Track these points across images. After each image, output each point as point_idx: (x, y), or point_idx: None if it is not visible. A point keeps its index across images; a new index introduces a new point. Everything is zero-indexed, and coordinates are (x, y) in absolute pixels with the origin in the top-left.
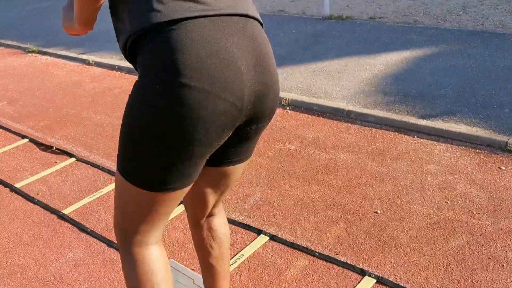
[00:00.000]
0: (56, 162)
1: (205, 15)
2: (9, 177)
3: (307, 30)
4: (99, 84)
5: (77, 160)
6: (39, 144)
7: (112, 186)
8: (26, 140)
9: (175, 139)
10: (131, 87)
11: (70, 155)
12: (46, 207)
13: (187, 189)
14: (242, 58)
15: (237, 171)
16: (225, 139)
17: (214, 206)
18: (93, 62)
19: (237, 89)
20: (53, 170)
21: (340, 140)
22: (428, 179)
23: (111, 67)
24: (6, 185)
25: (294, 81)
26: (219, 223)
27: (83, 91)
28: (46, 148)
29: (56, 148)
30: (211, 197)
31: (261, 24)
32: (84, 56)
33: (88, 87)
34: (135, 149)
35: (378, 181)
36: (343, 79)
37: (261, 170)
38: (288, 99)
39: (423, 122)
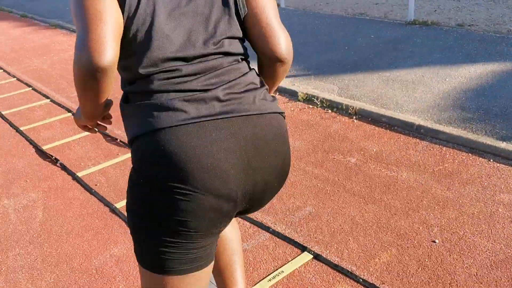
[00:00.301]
0: (118, 154)
1: (193, 122)
2: (74, 165)
3: (387, 35)
4: None
5: None
6: (106, 135)
7: None
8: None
9: (169, 232)
10: None
11: None
12: (101, 199)
13: (202, 271)
14: (229, 161)
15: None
16: (225, 225)
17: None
18: None
19: (223, 190)
20: (114, 162)
21: (405, 156)
22: (500, 210)
23: None
24: (69, 173)
25: (364, 89)
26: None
27: None
28: (112, 139)
29: (120, 141)
30: None
31: (278, 113)
32: None
33: None
34: (143, 238)
35: (441, 206)
36: (417, 91)
37: (315, 182)
38: (356, 108)
39: (503, 145)
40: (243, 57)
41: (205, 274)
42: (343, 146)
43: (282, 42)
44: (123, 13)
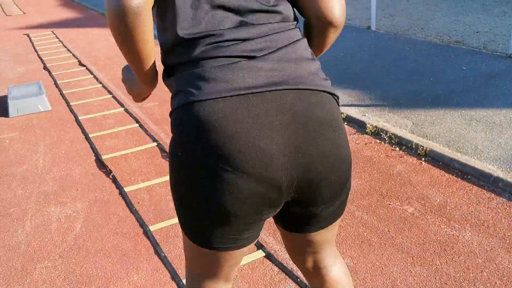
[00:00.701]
0: (168, 172)
1: (236, 94)
2: (125, 179)
3: (481, 68)
4: None
5: None
6: (163, 151)
7: None
8: (154, 144)
9: (208, 211)
10: None
11: None
12: (138, 218)
13: (239, 251)
14: (274, 141)
15: (320, 236)
16: (272, 213)
17: (318, 262)
18: None
19: (266, 174)
20: (162, 181)
21: (473, 213)
22: None
23: None
24: (118, 186)
25: (441, 128)
26: (331, 276)
27: None
28: (168, 156)
29: None
30: (307, 258)
31: (332, 94)
32: None
33: None
34: (182, 210)
35: (504, 282)
36: (504, 135)
37: (362, 230)
38: (426, 149)
39: None
40: (295, 22)
41: (242, 253)
42: (403, 192)
43: (337, 5)
44: None
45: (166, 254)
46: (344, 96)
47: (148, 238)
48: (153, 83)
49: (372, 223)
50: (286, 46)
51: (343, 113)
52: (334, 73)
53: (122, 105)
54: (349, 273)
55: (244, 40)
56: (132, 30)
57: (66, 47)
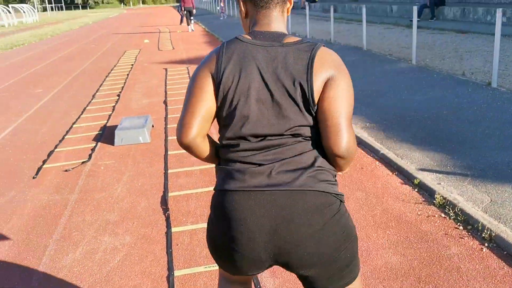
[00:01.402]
0: None
1: (243, 190)
2: (176, 219)
3: None
4: None
5: None
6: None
7: None
8: None
9: (214, 257)
10: None
11: None
12: (169, 261)
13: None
14: (258, 225)
15: None
16: (258, 271)
17: None
18: None
19: (247, 247)
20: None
21: None
22: None
23: None
24: (167, 225)
25: None
26: None
27: None
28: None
29: None
30: None
31: (320, 191)
32: None
33: None
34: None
35: None
36: None
37: None
38: (491, 233)
39: None
40: (307, 137)
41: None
42: (444, 279)
43: (343, 143)
44: (216, 101)
45: None
46: (425, 159)
47: (168, 283)
48: (215, 160)
49: None
50: (291, 157)
51: (416, 179)
52: (426, 131)
53: None
54: None
55: (259, 150)
56: (191, 152)
57: None
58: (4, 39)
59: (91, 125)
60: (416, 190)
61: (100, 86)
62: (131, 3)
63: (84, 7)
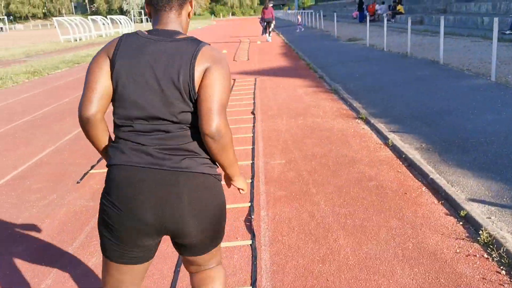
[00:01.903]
0: None
1: (130, 165)
2: None
3: None
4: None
5: None
6: (250, 213)
7: None
8: (248, 204)
9: (102, 234)
10: None
11: None
12: (174, 280)
13: (133, 267)
14: (144, 196)
15: (198, 260)
16: (148, 241)
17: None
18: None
19: (137, 217)
20: (224, 245)
21: None
22: None
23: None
24: None
25: None
26: (206, 279)
27: None
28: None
29: None
30: (189, 267)
31: (200, 172)
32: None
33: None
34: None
35: None
36: None
37: None
38: None
39: None
40: (189, 125)
41: (135, 271)
42: None
43: (213, 124)
44: (113, 81)
45: None
46: (479, 188)
47: None
48: (104, 150)
49: None
50: (175, 143)
51: (464, 210)
52: (489, 156)
53: (252, 158)
54: (223, 280)
55: (147, 132)
56: (89, 131)
57: (253, 94)
58: (98, 47)
59: None
60: (461, 223)
61: None
62: (221, 14)
63: None
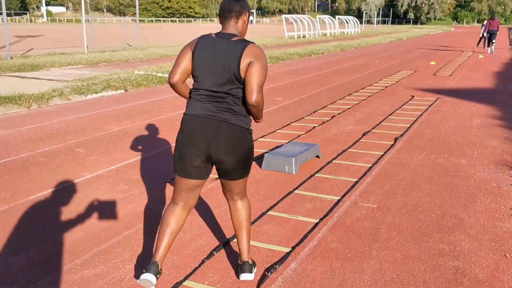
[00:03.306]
0: None
1: (196, 114)
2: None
3: None
4: None
5: None
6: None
7: None
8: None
9: (176, 153)
10: None
11: None
12: None
13: (190, 180)
14: (202, 134)
15: (231, 184)
16: (201, 163)
17: (231, 197)
18: None
19: (196, 145)
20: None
21: None
22: None
23: None
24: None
25: None
26: (236, 208)
27: None
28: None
29: None
30: (227, 194)
31: (237, 125)
32: None
33: None
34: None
35: None
36: None
37: None
38: None
39: None
40: (236, 96)
41: (192, 184)
42: None
43: (254, 97)
44: (192, 64)
45: None
46: None
47: None
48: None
49: None
50: (225, 105)
51: None
52: None
53: (343, 195)
54: (247, 210)
55: (210, 97)
56: (175, 91)
57: (417, 117)
58: (311, 47)
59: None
60: None
61: (330, 104)
62: (465, 21)
63: (415, 22)
